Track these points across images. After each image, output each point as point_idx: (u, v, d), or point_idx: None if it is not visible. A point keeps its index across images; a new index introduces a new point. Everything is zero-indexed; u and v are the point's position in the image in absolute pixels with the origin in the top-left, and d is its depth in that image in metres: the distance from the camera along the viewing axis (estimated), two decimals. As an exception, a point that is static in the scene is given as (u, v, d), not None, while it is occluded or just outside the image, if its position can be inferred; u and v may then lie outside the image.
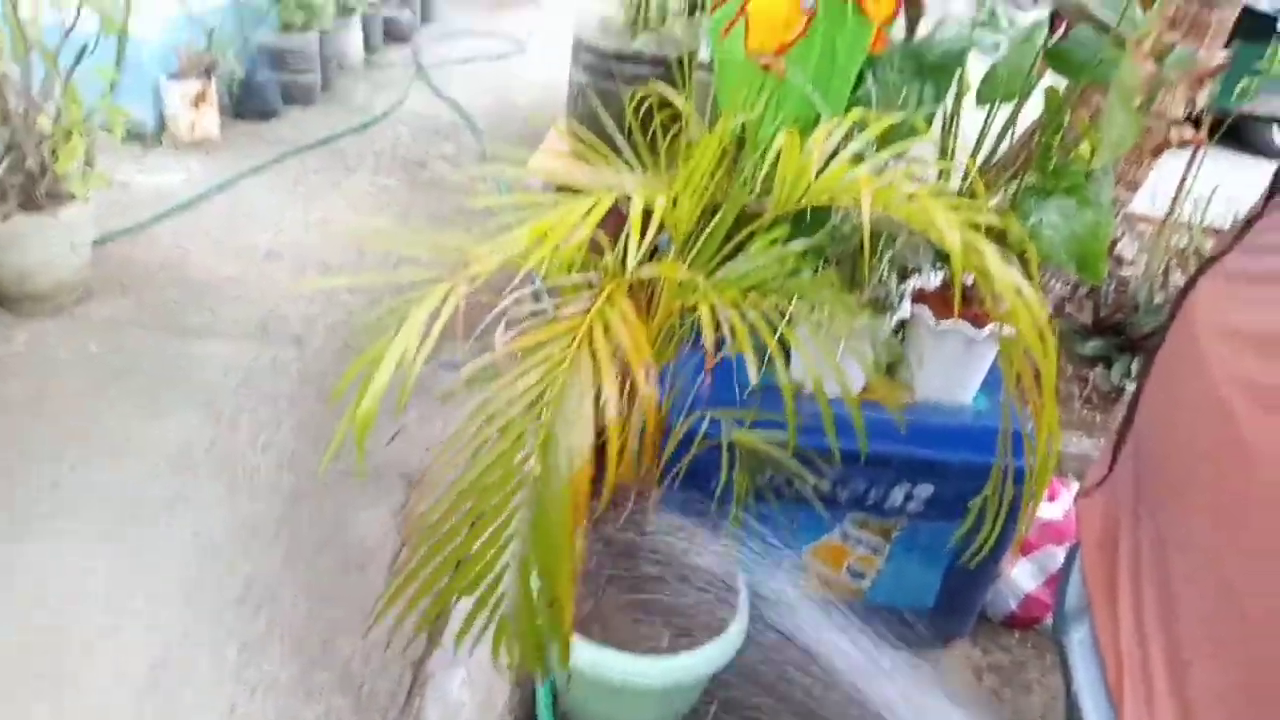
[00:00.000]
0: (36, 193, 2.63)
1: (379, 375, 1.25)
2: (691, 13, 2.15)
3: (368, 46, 5.67)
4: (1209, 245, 3.38)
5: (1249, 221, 1.18)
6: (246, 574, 1.93)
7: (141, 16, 4.02)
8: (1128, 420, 1.36)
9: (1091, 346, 2.77)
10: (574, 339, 1.19)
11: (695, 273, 1.48)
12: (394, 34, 6.03)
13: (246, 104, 4.46)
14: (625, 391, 1.20)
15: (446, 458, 1.16)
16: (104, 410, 2.38)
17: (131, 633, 1.78)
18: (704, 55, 2.02)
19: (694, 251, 1.54)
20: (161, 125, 4.15)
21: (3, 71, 2.50)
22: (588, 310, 1.23)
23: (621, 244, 1.38)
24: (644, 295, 1.44)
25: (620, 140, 1.75)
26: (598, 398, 1.12)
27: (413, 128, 4.78)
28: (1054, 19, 1.53)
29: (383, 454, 2.33)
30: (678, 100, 1.65)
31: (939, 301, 1.74)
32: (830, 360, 1.38)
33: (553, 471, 1.09)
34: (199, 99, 4.08)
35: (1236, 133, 5.46)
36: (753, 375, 1.18)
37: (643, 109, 1.68)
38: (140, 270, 3.09)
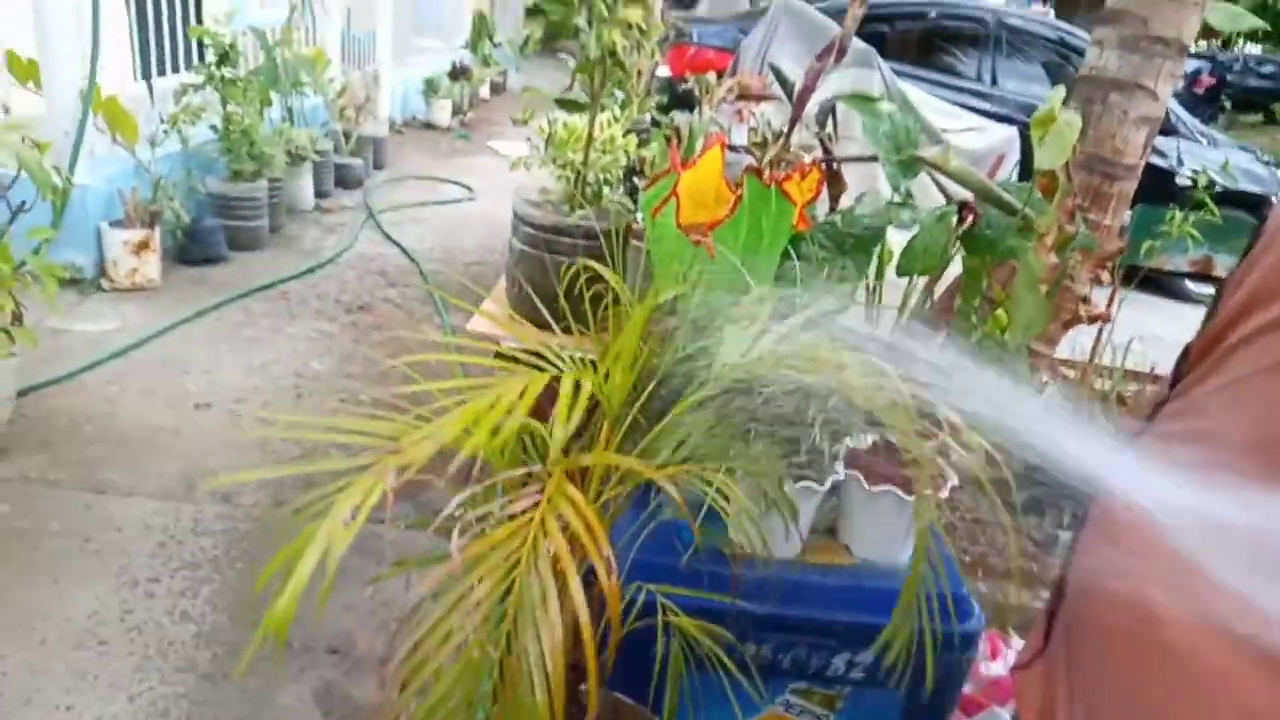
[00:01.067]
0: (-45, 350, 2.56)
1: (300, 568, 1.21)
2: (629, 191, 2.24)
3: (318, 192, 5.78)
4: (1130, 389, 3.52)
5: (1157, 405, 1.22)
6: (152, 764, 1.79)
7: (88, 163, 4.09)
8: (1058, 594, 1.36)
9: (1025, 496, 2.81)
10: (527, 537, 1.17)
11: (630, 447, 1.48)
12: (345, 180, 6.17)
13: (191, 249, 4.47)
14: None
15: (401, 682, 1.11)
16: (6, 581, 2.24)
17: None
18: (639, 228, 2.10)
19: (626, 425, 1.55)
20: (100, 271, 4.13)
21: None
22: (535, 504, 1.22)
23: (558, 425, 1.38)
24: (581, 474, 1.44)
25: (556, 308, 1.78)
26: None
27: (359, 271, 4.82)
28: (963, 205, 1.63)
29: (308, 624, 2.22)
30: (609, 276, 1.70)
31: (871, 463, 1.76)
32: (769, 524, 1.38)
33: (521, 687, 1.05)
34: (141, 246, 4.08)
35: (1153, 281, 5.78)
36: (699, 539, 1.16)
37: (580, 280, 1.72)
38: (64, 422, 3.00)
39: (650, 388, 1.62)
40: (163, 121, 4.34)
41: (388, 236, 5.39)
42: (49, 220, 3.09)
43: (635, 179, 2.30)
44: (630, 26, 1.87)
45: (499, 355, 1.85)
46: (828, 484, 1.72)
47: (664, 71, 5.64)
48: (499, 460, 1.58)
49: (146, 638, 2.11)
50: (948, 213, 1.73)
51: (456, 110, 9.24)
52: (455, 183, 6.90)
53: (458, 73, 9.54)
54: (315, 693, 2.03)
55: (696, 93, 2.90)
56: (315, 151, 5.45)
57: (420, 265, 4.95)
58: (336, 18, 6.70)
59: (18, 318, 2.67)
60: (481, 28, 11.03)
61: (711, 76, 2.73)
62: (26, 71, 3.67)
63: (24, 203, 2.63)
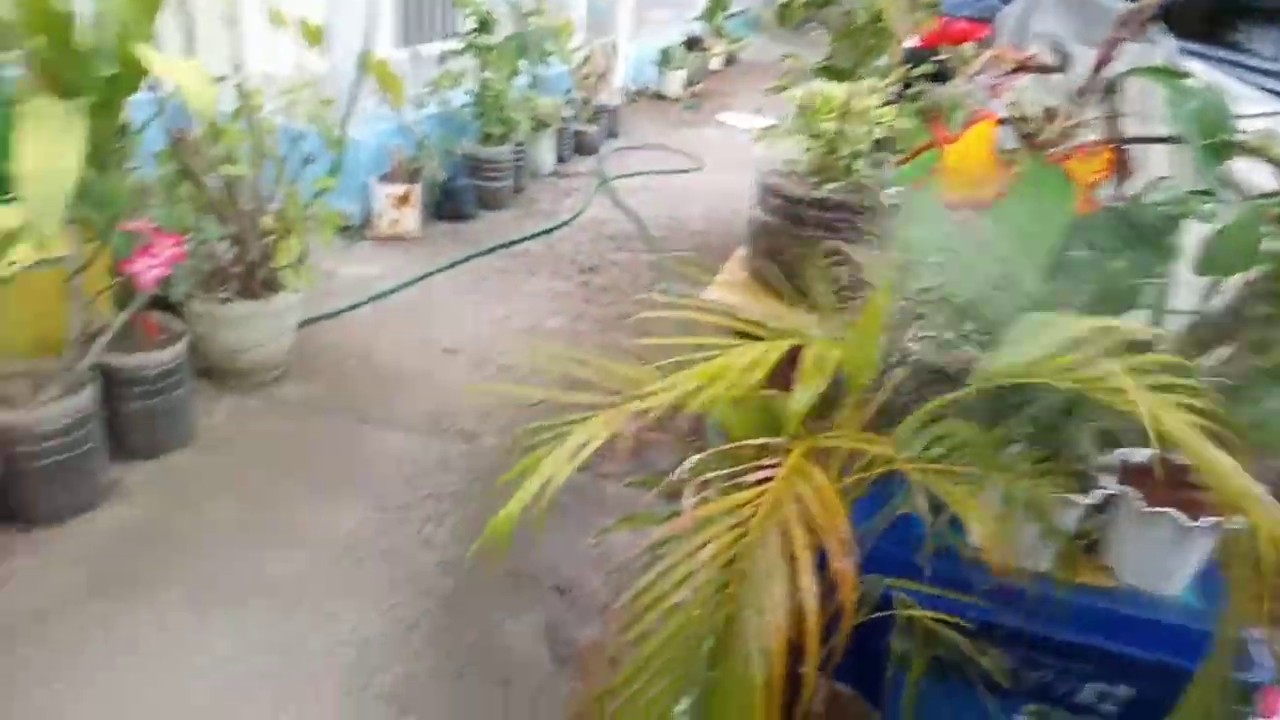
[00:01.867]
0: (254, 282, 2.90)
1: (528, 486, 1.28)
2: (879, 163, 2.15)
3: (559, 157, 6.02)
4: None
5: None
6: (397, 674, 1.97)
7: (360, 122, 4.47)
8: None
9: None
10: (761, 508, 1.16)
11: (874, 432, 1.43)
12: (583, 147, 6.40)
13: (445, 205, 4.81)
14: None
15: (621, 624, 1.14)
16: (285, 493, 2.53)
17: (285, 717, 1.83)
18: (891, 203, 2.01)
19: (872, 408, 1.49)
20: (366, 220, 4.53)
21: (239, 174, 2.80)
22: (770, 477, 1.21)
23: (801, 388, 1.35)
24: (818, 454, 1.40)
25: (798, 282, 1.74)
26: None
27: (592, 234, 4.99)
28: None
29: (537, 562, 2.35)
30: (858, 254, 1.64)
31: (1149, 480, 1.60)
32: (1019, 532, 1.29)
33: (737, 659, 1.05)
34: (403, 200, 4.44)
35: None
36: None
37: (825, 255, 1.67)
38: (333, 355, 3.33)
39: (899, 374, 1.55)
40: (426, 86, 4.66)
41: (618, 203, 5.53)
42: (328, 171, 3.43)
43: (881, 152, 2.21)
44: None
45: (735, 326, 1.83)
46: (1094, 498, 1.57)
47: (909, 43, 5.38)
48: (736, 426, 1.57)
49: (395, 560, 2.32)
50: (1265, 206, 1.51)
51: (689, 81, 9.29)
52: (683, 153, 6.96)
53: (691, 44, 9.58)
54: (540, 627, 2.15)
55: (949, 64, 2.72)
56: (560, 118, 5.67)
57: (649, 232, 5.04)
58: (587, -13, 6.91)
59: (302, 258, 2.98)
60: (716, 0, 11.00)
61: (968, 47, 2.55)
62: (315, 36, 4.06)
63: (309, 153, 2.91)
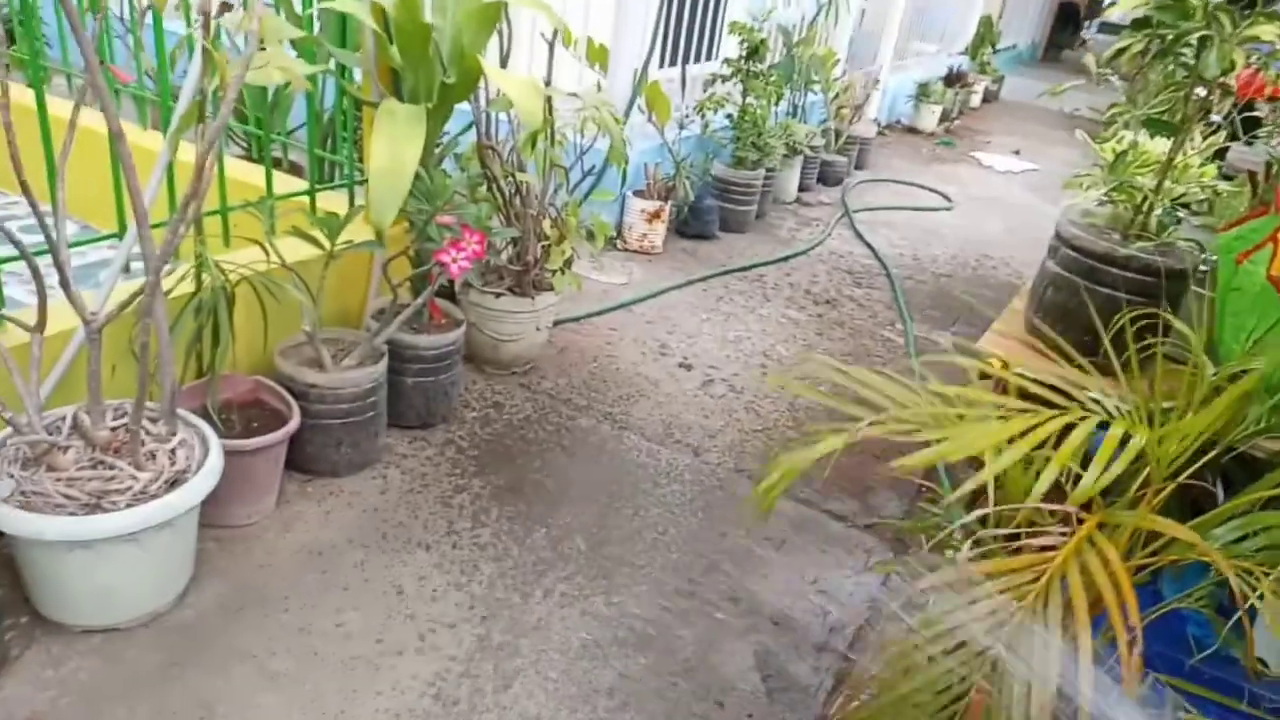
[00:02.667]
0: (526, 280, 3.12)
1: (770, 478, 1.29)
2: (1174, 223, 1.99)
3: (801, 185, 6.03)
4: None
5: None
6: (617, 671, 2.05)
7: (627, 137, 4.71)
8: None
9: None
10: (1045, 574, 1.11)
11: (1172, 517, 1.33)
12: (826, 177, 6.36)
13: (690, 224, 4.95)
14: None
15: (878, 659, 1.14)
16: (531, 477, 2.71)
17: (524, 696, 1.96)
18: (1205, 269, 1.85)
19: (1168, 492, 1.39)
20: (617, 232, 4.75)
21: (530, 181, 3.03)
22: (1055, 545, 1.16)
23: (1095, 472, 1.29)
24: (1109, 530, 1.32)
25: (1086, 342, 1.65)
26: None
27: (829, 266, 4.95)
28: None
29: (756, 590, 2.37)
30: (1177, 324, 1.52)
31: None
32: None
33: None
34: (654, 216, 4.62)
35: None
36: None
37: (1122, 319, 1.57)
38: (577, 355, 3.52)
39: (1210, 457, 1.43)
40: (690, 107, 4.82)
41: (860, 236, 5.45)
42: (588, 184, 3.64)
43: (1203, 215, 2.03)
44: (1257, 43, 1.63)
45: (1015, 383, 1.76)
46: None
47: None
48: (1011, 484, 1.51)
49: (618, 560, 2.41)
50: None
51: (944, 117, 8.99)
52: (933, 190, 6.75)
53: (951, 79, 9.26)
54: (756, 654, 2.16)
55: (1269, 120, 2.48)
56: (809, 147, 5.68)
57: (889, 270, 4.93)
58: (850, 19, 6.87)
59: (568, 263, 3.17)
60: (986, 34, 10.57)
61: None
62: (599, 55, 4.32)
63: (593, 167, 3.10)
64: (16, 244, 1.77)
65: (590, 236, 3.14)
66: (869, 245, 5.30)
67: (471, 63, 2.18)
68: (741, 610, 2.31)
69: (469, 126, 2.89)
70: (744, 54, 4.92)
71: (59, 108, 2.26)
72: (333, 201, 2.87)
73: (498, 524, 2.48)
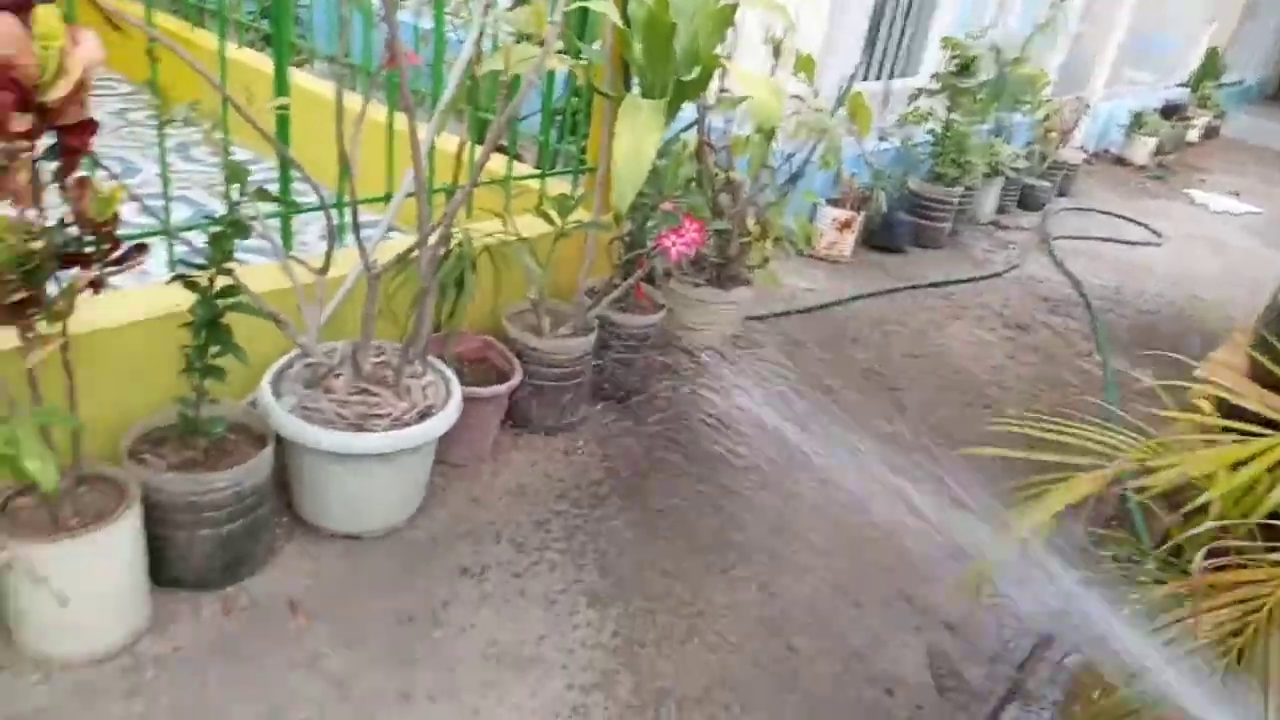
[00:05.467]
0: (725, 274, 3.27)
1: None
2: None
3: (999, 208, 5.88)
4: None
5: None
6: (789, 643, 2.16)
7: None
8: None
9: None
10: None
11: None
12: (1026, 201, 6.17)
13: (879, 236, 4.96)
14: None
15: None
16: (727, 457, 2.86)
17: (704, 650, 2.11)
18: None
19: None
20: (806, 239, 4.83)
21: (740, 179, 3.17)
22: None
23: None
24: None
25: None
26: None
27: (1023, 291, 4.83)
28: None
29: (930, 594, 2.41)
30: None
31: None
32: None
33: None
34: (845, 225, 4.67)
35: None
36: None
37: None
38: (770, 349, 3.64)
39: None
40: (894, 120, 4.83)
41: (1059, 264, 5.27)
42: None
43: None
44: None
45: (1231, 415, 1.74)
46: None
47: None
48: (1228, 509, 1.52)
49: (793, 538, 2.52)
50: None
51: (1158, 150, 8.47)
52: (1141, 224, 6.40)
53: (1169, 111, 8.71)
54: (929, 652, 2.21)
55: None
56: (1011, 168, 5.55)
57: (1089, 300, 4.75)
58: (1065, 41, 6.62)
59: (766, 260, 3.30)
60: (1211, 66, 9.84)
61: None
62: (805, 65, 4.42)
63: (800, 171, 3.21)
64: (322, 201, 2.08)
65: (788, 239, 3.25)
66: (1068, 273, 5.12)
67: (710, 61, 2.34)
68: (916, 611, 2.36)
69: (691, 125, 3.07)
70: (954, 69, 4.88)
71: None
72: (556, 187, 3.13)
73: (684, 499, 2.63)
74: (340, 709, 1.78)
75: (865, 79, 5.14)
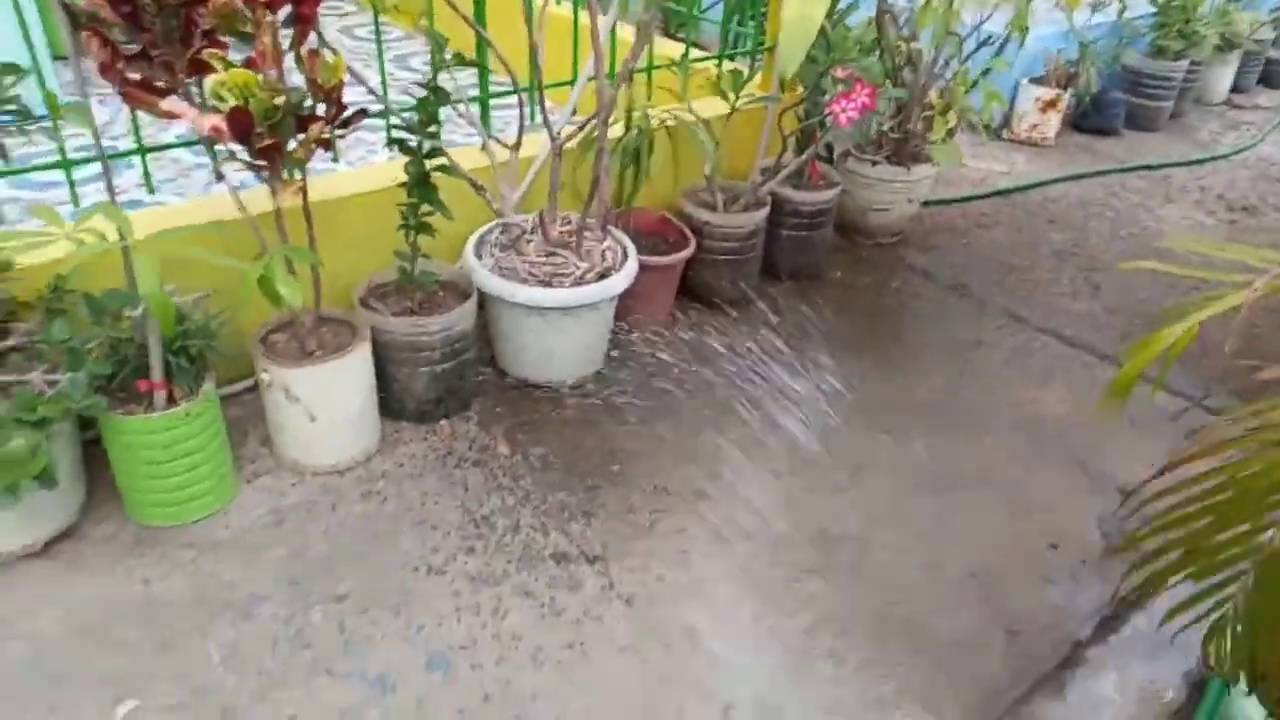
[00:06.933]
0: (905, 150, 3.22)
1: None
2: None
3: (1235, 85, 5.27)
4: None
5: None
6: (948, 499, 2.22)
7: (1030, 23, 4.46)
8: None
9: None
10: None
11: None
12: (1271, 78, 5.48)
13: (1089, 117, 4.62)
14: None
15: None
16: (872, 339, 2.88)
17: (871, 494, 2.22)
18: None
19: None
20: (1005, 121, 4.58)
21: (921, 50, 3.08)
22: None
23: None
24: None
25: None
26: None
27: (1255, 173, 4.37)
28: None
29: (1104, 462, 2.37)
30: None
31: None
32: None
33: None
34: (1049, 105, 4.38)
35: None
36: None
37: None
38: (946, 237, 3.56)
39: None
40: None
41: (1304, 143, 4.70)
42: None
43: None
44: None
45: None
46: None
47: None
48: None
49: (968, 412, 2.53)
50: None
51: None
52: None
53: None
54: (1095, 514, 2.20)
55: None
56: (1252, 40, 4.94)
57: (1337, 181, 4.23)
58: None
59: (950, 133, 3.20)
60: None
61: None
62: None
63: (989, 37, 3.07)
64: (515, 82, 2.28)
65: (972, 115, 3.13)
66: (1314, 153, 4.56)
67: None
68: (1090, 477, 2.33)
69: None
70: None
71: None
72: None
73: (858, 370, 2.69)
74: (529, 514, 2.05)
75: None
